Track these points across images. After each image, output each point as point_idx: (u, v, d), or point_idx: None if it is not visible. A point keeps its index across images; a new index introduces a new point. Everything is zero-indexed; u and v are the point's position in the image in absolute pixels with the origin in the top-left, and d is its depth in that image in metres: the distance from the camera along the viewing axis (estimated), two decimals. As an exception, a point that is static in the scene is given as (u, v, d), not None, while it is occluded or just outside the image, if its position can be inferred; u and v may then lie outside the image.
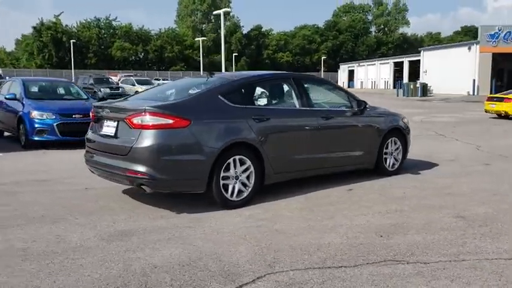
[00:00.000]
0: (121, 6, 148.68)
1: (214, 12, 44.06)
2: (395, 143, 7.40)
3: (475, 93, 41.67)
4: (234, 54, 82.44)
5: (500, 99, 20.00)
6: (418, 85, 43.86)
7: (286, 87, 6.39)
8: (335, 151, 6.51)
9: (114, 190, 6.26)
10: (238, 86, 5.81)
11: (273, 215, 5.17)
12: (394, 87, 65.21)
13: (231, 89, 5.70)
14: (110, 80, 33.10)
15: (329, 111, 6.55)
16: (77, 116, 10.36)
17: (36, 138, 10.15)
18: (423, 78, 49.35)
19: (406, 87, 44.42)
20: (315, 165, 6.30)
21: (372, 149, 7.00)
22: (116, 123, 5.37)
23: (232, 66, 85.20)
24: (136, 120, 5.05)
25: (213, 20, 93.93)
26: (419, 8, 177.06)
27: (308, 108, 6.25)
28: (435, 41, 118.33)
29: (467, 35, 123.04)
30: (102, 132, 5.56)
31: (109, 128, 5.45)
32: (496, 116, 20.00)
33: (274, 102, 6.31)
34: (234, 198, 5.40)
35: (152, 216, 5.14)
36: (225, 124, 5.34)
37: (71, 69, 65.40)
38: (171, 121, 4.97)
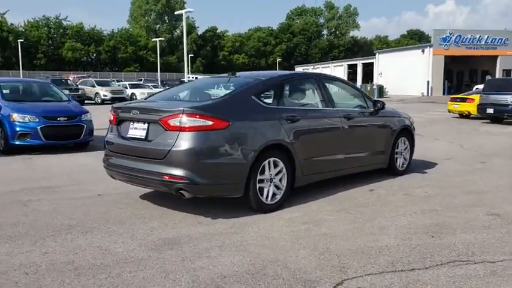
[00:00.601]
0: (70, 4, 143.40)
1: (176, 12, 43.32)
2: (404, 143, 7.48)
3: (429, 94, 43.37)
4: (189, 55, 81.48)
5: (463, 100, 20.89)
6: (374, 87, 45.11)
7: (310, 87, 6.29)
8: (356, 151, 6.48)
9: (131, 196, 5.94)
10: (270, 85, 5.64)
11: (313, 218, 5.05)
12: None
13: (263, 89, 5.52)
14: (68, 81, 31.75)
15: (350, 111, 6.51)
16: (61, 118, 9.79)
17: (17, 143, 9.49)
18: (378, 80, 50.83)
19: (364, 89, 45.60)
20: (338, 166, 6.24)
21: (387, 149, 7.04)
22: (147, 125, 5.07)
23: (188, 67, 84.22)
24: (173, 122, 4.78)
25: (167, 21, 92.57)
26: (365, 12, 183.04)
27: (332, 109, 6.18)
28: (384, 44, 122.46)
29: (413, 38, 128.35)
30: (128, 135, 5.23)
31: (137, 130, 5.14)
32: (458, 115, 20.87)
33: (301, 102, 6.19)
34: (269, 201, 5.24)
35: (189, 222, 4.89)
36: (261, 125, 5.17)
37: (19, 70, 62.35)
38: (210, 122, 4.75)
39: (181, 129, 4.73)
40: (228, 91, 5.54)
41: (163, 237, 4.45)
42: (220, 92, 5.84)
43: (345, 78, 69.80)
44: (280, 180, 5.34)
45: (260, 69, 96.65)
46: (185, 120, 4.72)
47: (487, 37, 44.80)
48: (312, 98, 6.23)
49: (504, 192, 6.23)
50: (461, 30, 44.62)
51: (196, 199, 5.35)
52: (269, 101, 5.51)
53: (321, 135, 5.93)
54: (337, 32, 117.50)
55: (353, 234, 4.54)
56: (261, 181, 5.14)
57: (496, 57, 45.30)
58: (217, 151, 4.78)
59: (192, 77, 44.32)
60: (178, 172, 4.71)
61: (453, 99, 22.30)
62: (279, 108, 5.50)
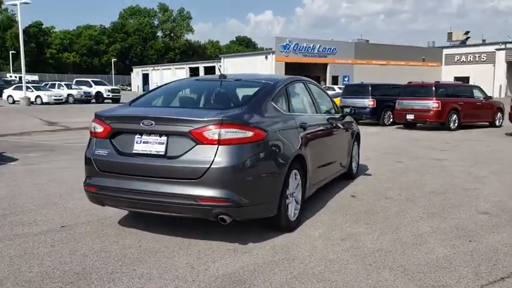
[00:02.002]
0: None
1: (9, 3, 37.67)
2: (356, 147, 7.63)
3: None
4: (11, 52, 72.18)
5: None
6: (223, 90, 46.09)
7: (303, 92, 5.90)
8: (335, 157, 6.36)
9: (107, 223, 4.87)
10: (281, 90, 5.08)
11: (344, 233, 4.71)
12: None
13: (278, 94, 4.97)
14: None
15: (331, 116, 6.35)
16: None
17: None
18: (224, 83, 52.08)
19: (213, 92, 46.29)
20: (327, 173, 6.03)
21: (349, 153, 7.09)
22: (165, 138, 4.13)
23: (9, 64, 74.61)
24: (210, 134, 3.97)
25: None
26: (193, 17, 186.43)
27: (321, 114, 5.96)
28: (216, 48, 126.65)
29: (241, 44, 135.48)
30: (135, 151, 4.19)
31: (150, 144, 4.15)
32: None
33: (302, 107, 5.75)
34: (292, 218, 4.77)
35: (225, 252, 4.12)
36: (287, 134, 4.65)
37: None
38: (250, 134, 4.07)
39: (220, 142, 3.96)
40: (245, 95, 4.84)
41: (217, 274, 3.64)
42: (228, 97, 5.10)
43: (187, 80, 70.10)
44: (297, 194, 4.91)
45: (93, 69, 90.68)
46: (225, 132, 3.97)
47: (319, 46, 49.47)
48: (305, 103, 5.88)
49: (460, 190, 6.77)
50: (298, 39, 48.37)
51: (183, 222, 4.60)
52: (283, 107, 5.01)
53: (320, 142, 5.63)
54: (172, 35, 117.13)
55: (401, 246, 4.36)
56: (287, 196, 4.63)
57: (326, 64, 50.32)
58: (257, 166, 4.13)
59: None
60: (219, 194, 3.93)
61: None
62: (293, 114, 5.04)
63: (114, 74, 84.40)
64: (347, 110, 6.97)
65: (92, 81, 40.43)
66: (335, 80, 50.21)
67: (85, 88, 38.16)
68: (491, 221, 5.17)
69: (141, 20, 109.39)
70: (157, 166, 4.09)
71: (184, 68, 71.36)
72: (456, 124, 17.61)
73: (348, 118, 7.22)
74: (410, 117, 17.67)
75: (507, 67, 54.45)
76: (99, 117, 4.47)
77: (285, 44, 46.70)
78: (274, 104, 4.75)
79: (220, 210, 3.96)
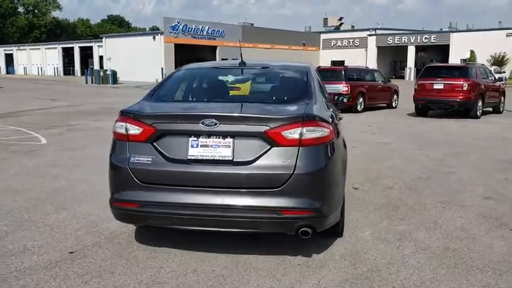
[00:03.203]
0: None
1: None
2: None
3: (164, 81, 44.31)
4: None
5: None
6: (108, 72, 43.13)
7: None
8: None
9: (122, 242, 3.99)
10: (318, 78, 4.56)
11: (392, 232, 4.46)
12: (69, 74, 62.12)
13: (319, 82, 4.43)
14: None
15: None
16: None
17: None
18: (107, 65, 48.75)
19: (97, 75, 43.03)
20: None
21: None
22: (231, 140, 3.39)
23: None
24: (290, 134, 3.34)
25: None
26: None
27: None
28: (87, 27, 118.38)
29: (114, 23, 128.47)
30: (191, 156, 3.38)
31: (212, 148, 3.37)
32: None
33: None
34: (339, 221, 4.36)
35: (296, 265, 3.59)
36: (338, 128, 4.18)
37: None
38: (328, 131, 3.52)
39: (301, 143, 3.37)
40: (295, 85, 4.20)
41: (324, 299, 3.13)
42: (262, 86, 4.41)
43: (61, 62, 64.36)
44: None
45: None
46: (306, 131, 3.38)
47: (208, 28, 48.68)
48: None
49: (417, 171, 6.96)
50: (187, 20, 46.95)
51: (209, 235, 3.97)
52: (323, 97, 4.49)
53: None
54: (36, 11, 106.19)
55: (461, 242, 4.21)
56: (342, 197, 4.19)
57: (215, 47, 49.80)
58: (334, 169, 3.61)
59: None
60: (304, 204, 3.36)
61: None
62: (328, 104, 4.56)
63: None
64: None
65: None
66: (224, 63, 49.97)
67: None
68: (501, 206, 5.30)
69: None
70: (223, 174, 3.37)
71: (56, 48, 65.27)
72: (362, 106, 18.53)
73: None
74: (323, 101, 18.08)
75: (377, 51, 59.16)
76: (134, 116, 3.55)
77: (173, 25, 45.01)
78: (321, 94, 4.24)
79: (304, 222, 3.39)
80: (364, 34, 60.83)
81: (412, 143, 10.10)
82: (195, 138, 3.42)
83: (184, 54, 49.58)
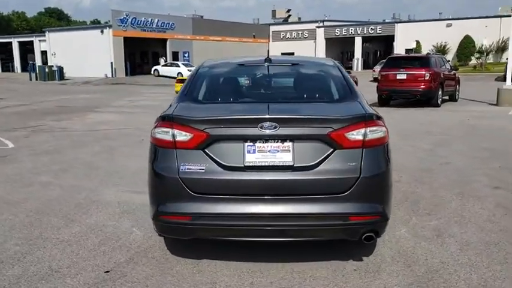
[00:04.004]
0: None
1: None
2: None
3: (114, 76, 42.83)
4: None
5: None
6: (54, 68, 41.13)
7: None
8: None
9: (156, 255, 3.68)
10: None
11: (428, 228, 4.42)
12: (7, 70, 58.68)
13: None
14: None
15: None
16: None
17: None
18: (51, 60, 46.43)
19: (42, 71, 40.92)
20: None
21: None
22: (290, 143, 3.17)
23: None
24: (353, 136, 3.17)
25: None
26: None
27: None
28: (23, 20, 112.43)
29: (52, 16, 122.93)
30: (248, 163, 3.13)
31: (270, 153, 3.13)
32: None
33: None
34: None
35: (352, 270, 3.45)
36: None
37: None
38: (385, 131, 3.39)
39: (365, 144, 3.21)
40: (335, 82, 3.99)
41: (402, 306, 3.01)
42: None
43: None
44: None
45: None
46: (369, 132, 3.23)
47: (158, 21, 47.38)
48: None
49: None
50: (136, 13, 45.41)
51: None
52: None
53: None
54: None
55: (497, 236, 4.24)
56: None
57: (165, 40, 48.63)
58: (392, 169, 3.48)
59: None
60: (370, 208, 3.21)
61: (180, 81, 23.24)
62: None
63: None
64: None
65: None
66: (175, 56, 48.96)
67: None
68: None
69: None
70: (285, 181, 3.16)
71: (-8, 43, 61.35)
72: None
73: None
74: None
75: (326, 43, 60.08)
76: (182, 120, 3.24)
77: (122, 18, 43.37)
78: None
79: (369, 227, 3.25)
80: (312, 26, 61.52)
81: (392, 133, 10.21)
82: (252, 144, 3.18)
83: (134, 47, 48.17)
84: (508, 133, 10.12)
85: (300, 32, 63.24)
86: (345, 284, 3.29)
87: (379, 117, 3.36)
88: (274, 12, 73.85)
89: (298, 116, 3.28)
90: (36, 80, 40.94)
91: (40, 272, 3.51)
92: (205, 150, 3.19)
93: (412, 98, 16.97)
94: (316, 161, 3.16)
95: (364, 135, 3.20)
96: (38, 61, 50.17)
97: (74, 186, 5.98)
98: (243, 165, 3.16)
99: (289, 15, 73.93)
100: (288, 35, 64.18)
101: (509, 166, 6.93)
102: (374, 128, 3.25)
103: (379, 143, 3.29)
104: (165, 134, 3.26)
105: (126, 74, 44.07)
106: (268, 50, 4.24)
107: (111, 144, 9.30)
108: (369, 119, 3.25)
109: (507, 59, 31.64)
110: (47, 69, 40.99)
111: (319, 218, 3.15)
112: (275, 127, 3.13)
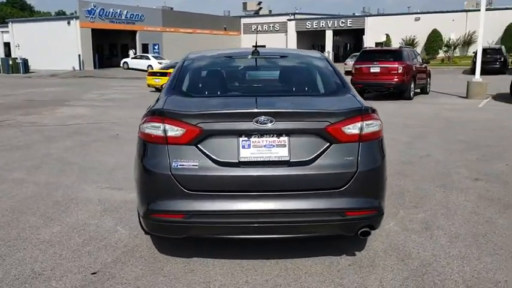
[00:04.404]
0: None
1: None
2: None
3: (82, 68, 41.75)
4: None
5: (164, 74, 21.51)
6: (19, 60, 39.79)
7: None
8: None
9: (142, 254, 3.56)
10: None
11: (415, 221, 4.44)
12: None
13: None
14: None
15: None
16: None
17: None
18: (15, 52, 44.87)
19: (5, 64, 39.54)
20: None
21: None
22: (286, 138, 3.08)
23: None
24: (350, 129, 3.11)
25: None
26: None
27: None
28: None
29: (14, 6, 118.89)
30: (243, 158, 3.03)
31: (265, 148, 3.04)
32: (155, 89, 21.47)
33: None
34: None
35: (347, 266, 3.41)
36: None
37: None
38: (380, 124, 3.34)
39: (361, 138, 3.16)
40: (324, 75, 3.92)
41: (400, 301, 2.98)
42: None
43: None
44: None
45: None
46: (366, 125, 3.18)
47: (126, 12, 46.38)
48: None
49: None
50: (104, 4, 44.25)
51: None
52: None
53: None
54: None
55: (490, 227, 4.29)
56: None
57: (135, 32, 47.70)
58: (386, 163, 3.43)
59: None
60: (367, 203, 3.17)
61: (152, 74, 22.91)
62: None
63: None
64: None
65: None
66: (145, 49, 48.10)
67: None
68: (492, 187, 5.50)
69: None
70: (281, 177, 3.07)
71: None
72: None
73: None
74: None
75: (297, 36, 60.26)
76: (174, 115, 3.11)
77: (89, 9, 42.20)
78: None
79: (366, 222, 3.21)
80: (283, 19, 61.54)
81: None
82: (246, 138, 3.08)
83: (102, 40, 47.07)
84: (480, 125, 10.33)
85: (271, 25, 63.14)
86: (341, 280, 3.25)
87: (374, 111, 3.32)
88: (245, 4, 73.41)
89: (294, 110, 3.20)
90: (1, 72, 39.54)
91: (22, 275, 3.33)
92: (198, 145, 3.07)
93: (385, 91, 17.16)
94: (313, 156, 3.09)
95: (361, 129, 3.15)
96: (1, 53, 48.48)
97: (50, 183, 5.74)
98: (237, 161, 3.07)
99: (260, 8, 73.65)
100: (259, 28, 63.97)
101: (485, 158, 7.06)
102: (370, 122, 3.20)
103: (375, 137, 3.25)
104: (156, 129, 3.12)
105: (95, 67, 43.07)
106: (256, 42, 4.05)
107: (84, 139, 9.02)
108: (365, 113, 3.20)
109: (474, 52, 32.45)
110: (10, 62, 39.62)
111: (316, 214, 3.09)
112: (271, 121, 3.04)
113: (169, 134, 3.09)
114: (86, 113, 13.43)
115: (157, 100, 3.53)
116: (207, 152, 3.07)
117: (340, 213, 3.12)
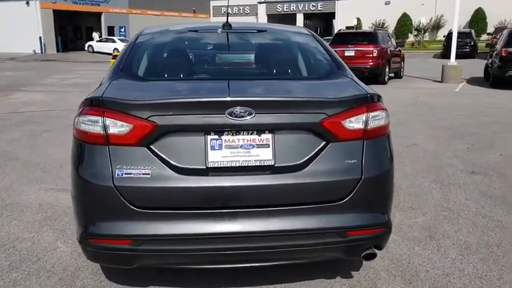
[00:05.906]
0: None
1: None
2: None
3: (44, 52, 39.71)
4: None
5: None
6: (-28, 43, 37.48)
7: None
8: None
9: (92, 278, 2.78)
10: None
11: (415, 227, 3.80)
12: None
13: None
14: None
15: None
16: None
17: None
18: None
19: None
20: None
21: None
22: (270, 135, 2.33)
23: None
24: (352, 124, 2.37)
25: None
26: None
27: None
28: None
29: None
30: (213, 163, 2.26)
31: (242, 150, 2.28)
32: None
33: None
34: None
35: (357, 282, 2.73)
36: None
37: None
38: (387, 115, 2.61)
39: (366, 134, 2.43)
40: (313, 54, 3.16)
41: None
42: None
43: None
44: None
45: None
46: (372, 118, 2.45)
47: (90, -7, 44.34)
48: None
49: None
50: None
51: None
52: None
53: None
54: None
55: (498, 235, 3.69)
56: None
57: (100, 14, 45.74)
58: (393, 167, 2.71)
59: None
60: (374, 218, 2.45)
61: (116, 57, 21.68)
62: None
63: None
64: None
65: None
66: (111, 31, 46.18)
67: None
68: (492, 182, 4.94)
69: None
70: (263, 188, 2.32)
71: None
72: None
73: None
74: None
75: (267, 19, 59.25)
76: (116, 105, 2.30)
77: (50, -11, 40.07)
78: None
79: (371, 242, 2.49)
80: (254, 1, 60.36)
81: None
82: (217, 137, 2.31)
83: (65, 22, 44.88)
84: (461, 111, 9.87)
85: (241, 8, 61.87)
86: (337, 314, 2.56)
87: (380, 98, 2.59)
88: (214, -14, 71.62)
89: (280, 99, 2.43)
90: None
91: None
92: (151, 146, 2.28)
93: (360, 75, 16.53)
94: (305, 159, 2.35)
95: (366, 122, 2.42)
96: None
97: (-13, 185, 4.84)
98: (205, 167, 2.29)
99: (230, -10, 72.09)
100: (229, 10, 62.57)
101: (475, 147, 6.53)
102: (377, 113, 2.47)
103: (383, 133, 2.53)
104: (94, 124, 2.31)
105: (58, 50, 41.07)
106: (227, 21, 3.23)
107: (35, 128, 8.04)
108: (370, 101, 2.47)
109: (444, 36, 32.33)
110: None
111: (309, 236, 2.36)
112: (249, 113, 2.26)
113: (111, 131, 2.28)
114: (43, 99, 12.32)
115: (100, 85, 2.71)
116: (163, 156, 2.28)
117: (340, 233, 2.39)
